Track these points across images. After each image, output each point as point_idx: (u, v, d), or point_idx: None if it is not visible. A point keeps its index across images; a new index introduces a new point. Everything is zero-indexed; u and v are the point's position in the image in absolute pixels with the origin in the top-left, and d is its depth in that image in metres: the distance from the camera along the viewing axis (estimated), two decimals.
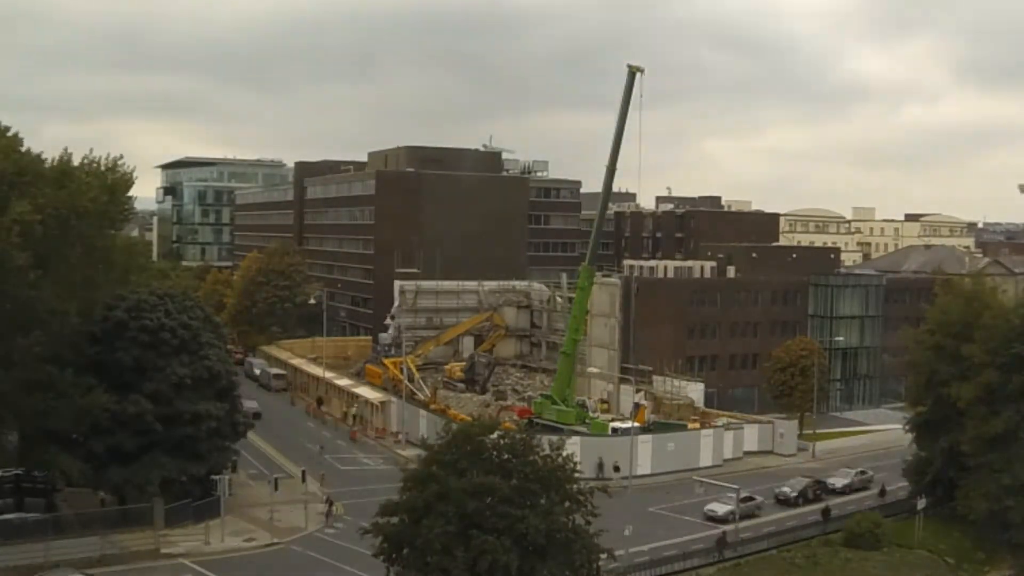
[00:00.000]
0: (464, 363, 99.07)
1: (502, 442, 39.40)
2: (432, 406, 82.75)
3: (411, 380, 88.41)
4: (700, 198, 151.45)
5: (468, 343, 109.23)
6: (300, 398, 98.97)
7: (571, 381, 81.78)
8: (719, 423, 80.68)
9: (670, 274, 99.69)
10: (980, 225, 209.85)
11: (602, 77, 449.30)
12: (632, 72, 74.14)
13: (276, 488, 61.14)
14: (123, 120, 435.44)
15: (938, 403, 63.10)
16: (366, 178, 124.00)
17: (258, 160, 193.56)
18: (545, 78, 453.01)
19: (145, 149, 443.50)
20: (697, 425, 79.63)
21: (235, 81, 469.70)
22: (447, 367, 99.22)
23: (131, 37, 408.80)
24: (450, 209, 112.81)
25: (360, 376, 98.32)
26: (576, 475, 40.22)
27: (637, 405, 76.92)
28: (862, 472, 72.95)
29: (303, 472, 67.79)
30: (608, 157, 76.41)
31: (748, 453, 79.56)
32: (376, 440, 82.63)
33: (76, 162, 54.06)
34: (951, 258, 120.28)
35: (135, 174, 56.24)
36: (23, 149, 51.73)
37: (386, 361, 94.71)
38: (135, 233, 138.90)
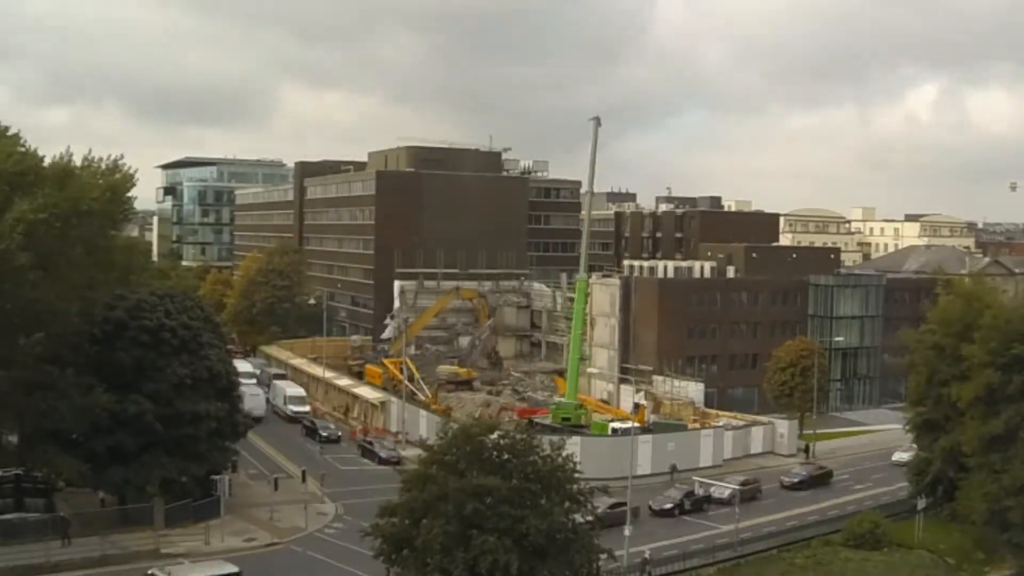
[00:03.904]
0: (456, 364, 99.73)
1: (502, 442, 39.35)
2: (433, 407, 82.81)
3: (411, 380, 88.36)
4: (700, 198, 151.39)
5: (464, 343, 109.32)
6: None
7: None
8: (719, 423, 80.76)
9: (670, 274, 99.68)
10: (980, 225, 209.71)
11: None
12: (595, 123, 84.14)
13: (276, 488, 61.23)
14: None
15: (938, 403, 63.03)
16: (366, 178, 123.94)
17: (258, 160, 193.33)
18: None
19: None
20: (697, 425, 79.72)
21: None
22: (442, 368, 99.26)
23: None
24: (450, 209, 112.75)
25: (359, 374, 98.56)
26: (576, 475, 40.17)
27: (637, 405, 76.97)
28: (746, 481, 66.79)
29: (303, 472, 67.82)
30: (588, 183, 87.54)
31: (749, 454, 79.76)
32: (376, 440, 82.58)
33: (77, 162, 53.98)
34: (951, 258, 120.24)
35: (136, 174, 56.23)
36: (24, 149, 51.67)
37: (386, 361, 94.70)
38: (135, 233, 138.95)
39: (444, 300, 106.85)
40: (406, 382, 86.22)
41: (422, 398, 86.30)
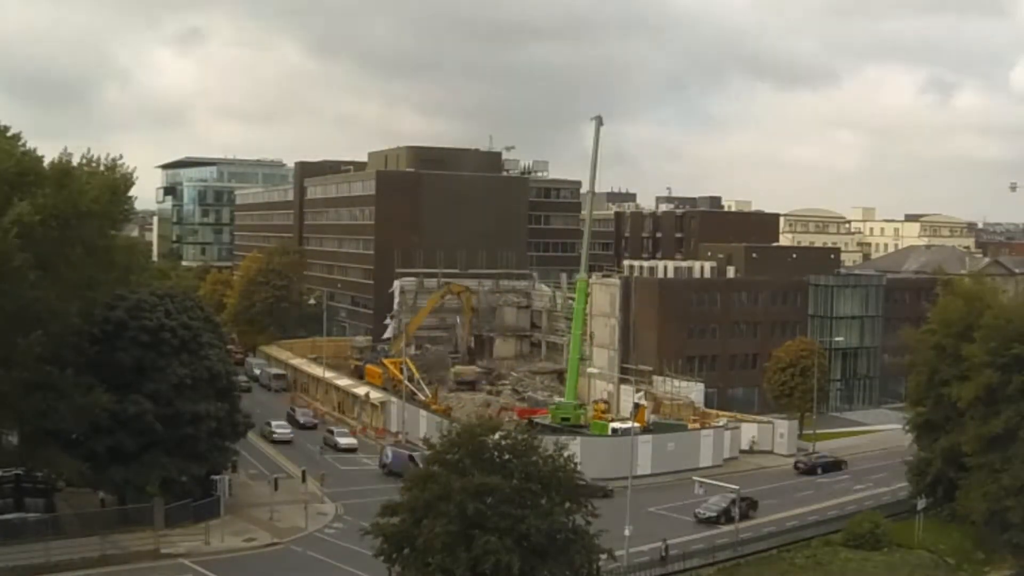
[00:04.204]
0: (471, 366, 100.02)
1: (503, 442, 39.36)
2: (433, 407, 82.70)
3: (411, 380, 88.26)
4: (700, 198, 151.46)
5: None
6: (300, 398, 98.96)
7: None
8: (719, 423, 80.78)
9: (670, 274, 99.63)
10: (980, 225, 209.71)
11: None
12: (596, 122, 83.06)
13: (276, 488, 61.19)
14: None
15: (938, 403, 63.06)
16: (366, 178, 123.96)
17: (258, 160, 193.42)
18: None
19: None
20: (697, 425, 79.71)
21: None
22: (454, 369, 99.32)
23: None
24: (450, 209, 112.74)
25: (358, 374, 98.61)
26: (576, 475, 40.15)
27: (637, 405, 76.90)
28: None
29: (303, 472, 67.78)
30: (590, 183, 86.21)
31: (747, 453, 79.80)
32: (376, 440, 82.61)
33: (76, 162, 53.96)
34: (951, 258, 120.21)
35: (135, 174, 56.21)
36: (24, 149, 51.67)
37: (386, 361, 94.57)
38: (135, 233, 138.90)
39: (435, 297, 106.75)
40: (406, 382, 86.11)
41: (422, 398, 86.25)
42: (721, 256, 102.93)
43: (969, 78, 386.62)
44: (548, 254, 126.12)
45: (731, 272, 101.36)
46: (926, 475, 63.28)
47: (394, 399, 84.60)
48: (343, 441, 79.62)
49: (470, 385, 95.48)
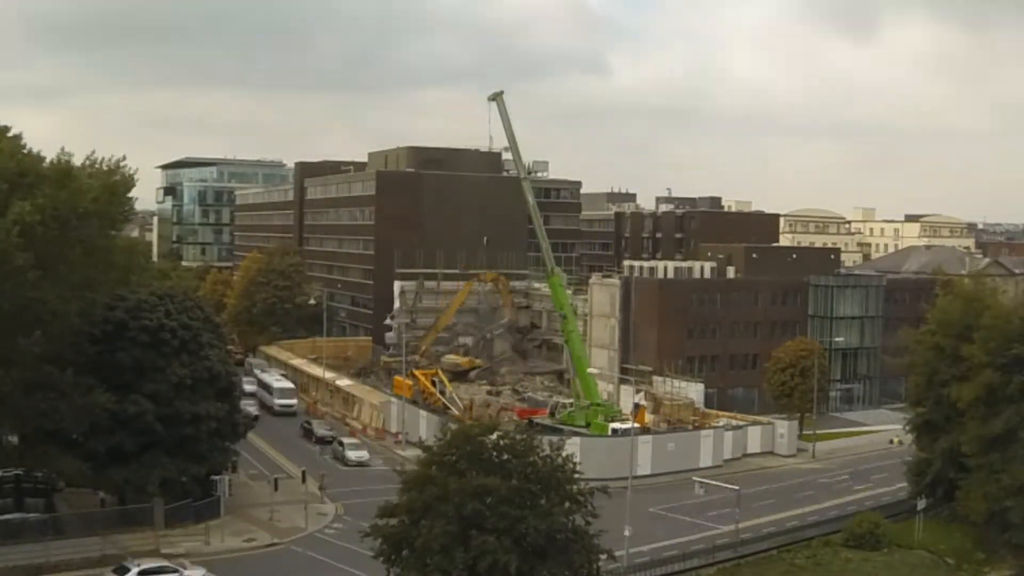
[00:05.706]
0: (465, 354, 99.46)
1: (502, 443, 39.35)
2: (469, 421, 79.80)
3: (443, 393, 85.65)
4: (700, 198, 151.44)
5: (468, 342, 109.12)
6: (300, 399, 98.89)
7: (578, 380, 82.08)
8: (719, 423, 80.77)
9: (670, 274, 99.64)
10: (980, 226, 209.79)
11: None
12: (495, 100, 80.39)
13: (276, 488, 61.24)
14: None
15: (938, 404, 63.03)
16: (366, 178, 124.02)
17: (258, 160, 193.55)
18: None
19: None
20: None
21: None
22: (446, 358, 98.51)
23: None
24: (450, 209, 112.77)
25: (362, 376, 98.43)
26: (576, 475, 40.12)
27: (637, 405, 76.85)
28: None
29: (303, 472, 67.82)
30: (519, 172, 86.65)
31: (747, 454, 79.73)
32: (376, 440, 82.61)
33: (77, 162, 53.93)
34: (951, 259, 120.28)
35: (136, 175, 56.18)
36: (24, 149, 51.67)
37: (416, 372, 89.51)
38: (135, 233, 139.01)
39: (465, 289, 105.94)
40: (438, 395, 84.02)
41: (455, 412, 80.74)
42: (721, 256, 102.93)
43: None
44: None
45: (731, 272, 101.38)
46: (926, 475, 63.27)
47: (394, 400, 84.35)
48: (353, 455, 74.32)
49: (464, 375, 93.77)
